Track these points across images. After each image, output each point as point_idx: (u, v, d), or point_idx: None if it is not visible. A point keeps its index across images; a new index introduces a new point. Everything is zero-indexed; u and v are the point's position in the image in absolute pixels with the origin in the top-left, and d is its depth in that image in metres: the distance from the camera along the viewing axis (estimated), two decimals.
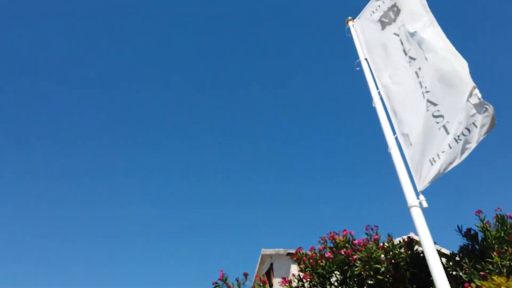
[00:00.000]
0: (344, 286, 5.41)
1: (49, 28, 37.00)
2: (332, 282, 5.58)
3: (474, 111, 4.07)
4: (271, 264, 13.58)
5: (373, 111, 5.82)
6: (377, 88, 5.84)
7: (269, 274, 13.47)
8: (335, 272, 5.55)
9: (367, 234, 5.65)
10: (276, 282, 12.35)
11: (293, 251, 6.49)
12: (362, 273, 5.20)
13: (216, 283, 6.21)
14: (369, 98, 6.00)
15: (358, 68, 6.39)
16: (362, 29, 6.86)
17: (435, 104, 4.69)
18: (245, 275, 6.26)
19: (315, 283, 5.62)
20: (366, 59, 6.34)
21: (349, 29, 7.06)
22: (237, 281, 6.26)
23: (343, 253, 5.46)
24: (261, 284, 6.16)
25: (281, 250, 12.64)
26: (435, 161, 4.47)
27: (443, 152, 4.36)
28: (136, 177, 39.51)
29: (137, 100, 40.44)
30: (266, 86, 41.68)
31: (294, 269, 9.02)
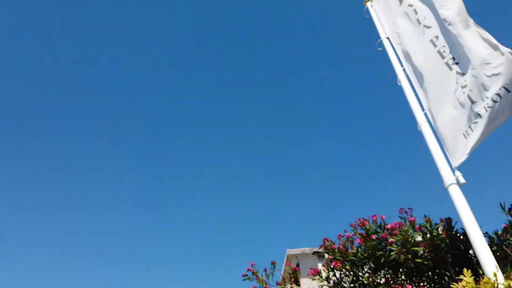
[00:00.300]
0: (378, 273, 5.06)
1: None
2: (365, 270, 5.23)
3: (502, 78, 3.78)
4: (297, 264, 13.21)
5: (399, 90, 5.61)
6: (402, 66, 5.61)
7: (295, 274, 13.10)
8: (368, 259, 5.20)
9: (400, 217, 5.30)
10: (303, 283, 11.97)
11: (319, 249, 6.19)
12: (399, 257, 4.84)
13: (246, 274, 6.01)
14: (393, 77, 5.78)
15: (380, 49, 6.16)
16: (381, 8, 6.62)
17: (462, 74, 4.42)
18: (273, 263, 6.00)
19: (347, 272, 5.28)
20: (387, 38, 6.12)
21: (367, 10, 6.83)
22: (265, 271, 6.01)
23: (375, 238, 5.11)
24: (291, 272, 5.87)
25: (307, 249, 12.30)
26: (468, 134, 4.19)
27: (475, 123, 4.08)
28: (179, 178, 39.93)
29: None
30: (289, 74, 41.52)
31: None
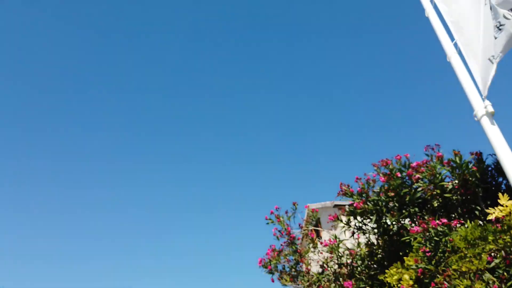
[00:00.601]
0: (403, 212, 4.85)
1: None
2: (389, 208, 5.02)
3: None
4: (318, 219, 13.17)
5: (426, 21, 5.30)
6: None
7: (317, 230, 13.10)
8: (392, 198, 4.98)
9: (427, 155, 5.01)
10: (324, 236, 11.94)
11: (341, 202, 6.01)
12: (426, 193, 4.61)
13: (269, 218, 5.95)
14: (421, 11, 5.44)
15: None
16: None
17: None
18: (294, 204, 5.89)
19: (369, 214, 5.08)
20: None
21: None
22: (287, 213, 5.91)
23: (399, 175, 4.86)
24: (313, 214, 5.75)
25: (328, 203, 12.17)
26: (495, 58, 3.91)
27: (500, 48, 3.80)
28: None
29: None
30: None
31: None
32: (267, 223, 6.14)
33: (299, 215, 5.92)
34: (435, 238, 4.02)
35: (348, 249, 5.38)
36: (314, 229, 6.06)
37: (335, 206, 12.14)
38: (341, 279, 5.16)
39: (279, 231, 6.05)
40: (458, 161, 4.49)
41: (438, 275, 4.08)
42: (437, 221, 3.97)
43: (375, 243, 5.56)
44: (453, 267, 3.68)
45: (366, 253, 5.36)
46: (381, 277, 5.03)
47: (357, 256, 5.23)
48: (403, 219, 4.98)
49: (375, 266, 5.30)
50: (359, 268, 5.22)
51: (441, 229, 3.91)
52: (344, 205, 5.86)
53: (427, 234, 3.96)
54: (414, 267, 4.28)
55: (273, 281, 5.85)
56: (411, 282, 4.34)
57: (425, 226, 3.96)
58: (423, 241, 4.18)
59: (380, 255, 5.30)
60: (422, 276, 4.28)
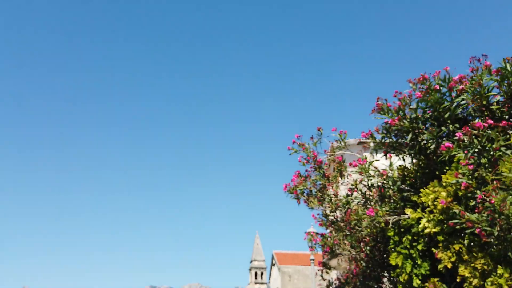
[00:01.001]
0: (442, 128, 4.48)
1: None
2: (427, 126, 4.66)
3: None
4: (342, 156, 12.91)
5: None
6: None
7: (343, 137, 12.83)
8: (430, 114, 4.60)
9: (472, 68, 4.52)
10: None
11: (365, 140, 5.62)
12: (468, 108, 4.21)
13: (292, 148, 5.67)
14: None
15: None
16: None
17: None
18: (319, 129, 5.59)
19: (406, 131, 4.73)
20: None
21: None
22: (312, 139, 5.62)
23: (438, 88, 4.44)
24: (340, 135, 5.46)
25: (351, 140, 11.82)
26: None
27: None
28: None
29: None
30: None
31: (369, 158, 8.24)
32: (290, 154, 5.88)
33: (325, 139, 5.63)
34: (479, 147, 3.69)
35: (378, 171, 5.11)
36: (342, 154, 5.79)
37: (360, 143, 11.82)
38: (372, 202, 4.93)
39: (305, 158, 5.81)
40: (509, 69, 4.02)
41: (478, 191, 3.79)
42: (483, 123, 3.60)
43: (409, 167, 5.27)
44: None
45: (399, 175, 5.09)
46: (414, 198, 4.78)
47: (389, 178, 4.96)
48: (441, 138, 4.63)
49: (407, 188, 5.04)
50: (390, 191, 4.97)
51: (485, 134, 3.55)
52: (369, 142, 5.54)
53: (471, 142, 3.61)
54: (454, 182, 4.00)
55: (299, 202, 5.68)
56: (449, 199, 4.07)
57: (469, 129, 3.60)
58: (463, 155, 3.85)
59: (413, 177, 5.02)
60: (461, 193, 4.00)
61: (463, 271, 3.71)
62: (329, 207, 5.43)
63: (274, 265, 42.63)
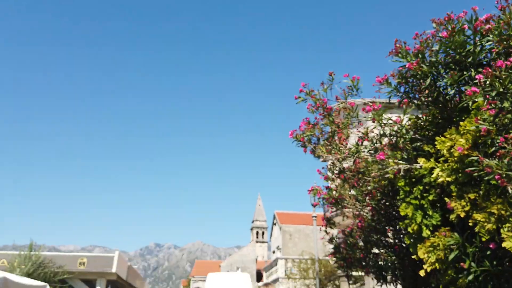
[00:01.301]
0: (464, 72, 4.18)
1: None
2: (447, 71, 4.36)
3: None
4: (354, 103, 12.63)
5: None
6: None
7: (357, 84, 12.60)
8: (450, 58, 4.29)
9: (500, 9, 4.16)
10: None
11: (370, 99, 5.30)
12: (494, 52, 3.89)
13: (299, 96, 5.37)
14: None
15: None
16: None
17: None
18: (331, 74, 5.28)
19: (424, 76, 4.43)
20: None
21: None
22: (322, 85, 5.33)
23: (466, 27, 4.11)
24: (353, 81, 5.17)
25: (358, 100, 11.49)
26: None
27: None
28: None
29: None
30: None
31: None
32: (297, 103, 5.59)
33: (336, 86, 5.33)
34: (501, 89, 3.41)
35: (390, 118, 4.86)
36: (354, 101, 5.51)
37: (366, 103, 11.49)
38: (384, 150, 4.71)
39: (313, 106, 5.53)
40: None
41: (498, 137, 3.55)
42: (505, 62, 3.31)
43: (423, 117, 5.03)
44: None
45: (412, 124, 4.85)
46: (426, 148, 4.56)
47: (402, 126, 4.72)
48: (462, 84, 4.34)
49: (420, 138, 4.81)
50: (402, 139, 4.75)
51: (508, 76, 3.28)
52: (383, 103, 5.25)
53: (492, 85, 3.34)
54: (473, 128, 3.75)
55: (305, 151, 5.48)
56: (466, 146, 3.84)
57: (490, 70, 3.32)
58: (484, 100, 3.59)
59: (428, 126, 4.78)
60: (481, 140, 3.77)
61: (477, 215, 3.54)
62: (338, 156, 5.22)
63: (275, 224, 43.39)
